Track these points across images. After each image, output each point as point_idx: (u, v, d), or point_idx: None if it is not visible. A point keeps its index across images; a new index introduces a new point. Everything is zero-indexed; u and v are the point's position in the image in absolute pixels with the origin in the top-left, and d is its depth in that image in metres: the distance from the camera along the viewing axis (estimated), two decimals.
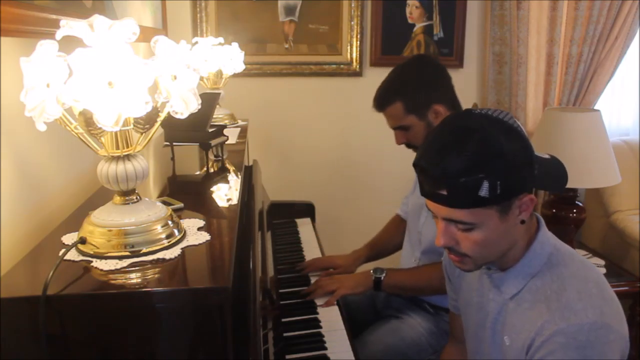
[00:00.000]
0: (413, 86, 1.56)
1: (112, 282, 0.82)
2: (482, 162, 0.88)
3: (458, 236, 0.96)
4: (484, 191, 0.88)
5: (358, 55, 2.70)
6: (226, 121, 2.11)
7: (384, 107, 1.59)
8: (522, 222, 0.96)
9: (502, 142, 0.90)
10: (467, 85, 2.86)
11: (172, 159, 1.50)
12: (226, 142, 1.55)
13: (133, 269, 0.84)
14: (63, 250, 0.85)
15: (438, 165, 0.90)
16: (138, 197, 0.92)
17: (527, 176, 0.93)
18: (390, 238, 1.92)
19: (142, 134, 0.88)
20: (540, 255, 0.99)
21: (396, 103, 1.56)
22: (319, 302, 1.55)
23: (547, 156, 1.02)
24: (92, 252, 0.87)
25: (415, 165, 0.96)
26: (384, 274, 1.57)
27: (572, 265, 0.98)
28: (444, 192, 0.91)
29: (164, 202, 1.03)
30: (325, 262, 1.80)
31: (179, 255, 0.89)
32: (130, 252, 0.87)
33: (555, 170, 1.01)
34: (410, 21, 2.72)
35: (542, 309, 0.94)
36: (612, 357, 0.90)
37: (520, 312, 0.99)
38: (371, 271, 1.59)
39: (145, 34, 1.30)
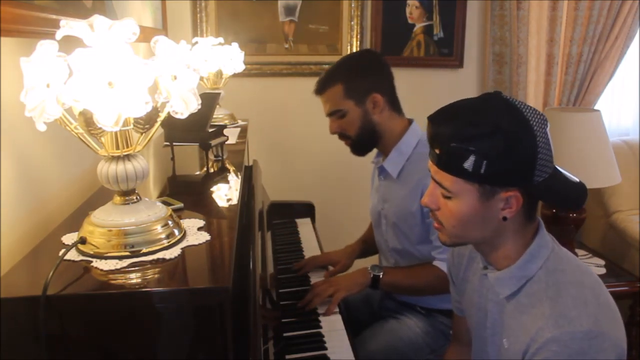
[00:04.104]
0: (356, 71, 1.57)
1: (112, 282, 0.82)
2: (476, 136, 0.88)
3: (440, 202, 0.98)
4: (468, 164, 0.89)
5: None
6: (226, 121, 2.11)
7: (324, 89, 1.58)
8: (504, 218, 0.95)
9: (506, 128, 0.88)
10: (467, 85, 2.86)
11: (172, 159, 1.50)
12: (226, 142, 1.56)
13: (133, 269, 0.84)
14: (63, 250, 0.85)
15: (439, 124, 0.93)
16: (138, 197, 0.92)
17: (520, 174, 0.91)
18: None
19: (142, 134, 0.88)
20: (536, 258, 0.98)
21: (337, 85, 1.56)
22: (320, 306, 1.54)
23: (576, 179, 0.99)
24: (92, 252, 0.87)
25: (428, 118, 0.97)
26: (381, 272, 1.56)
27: (568, 270, 0.97)
28: (437, 151, 0.94)
29: (164, 202, 1.03)
30: (321, 260, 1.80)
31: (179, 255, 0.89)
32: (130, 252, 0.87)
33: (569, 191, 0.98)
34: (410, 21, 2.72)
35: (538, 315, 0.93)
36: None
37: (518, 316, 0.99)
38: (368, 268, 1.57)
39: (145, 34, 1.30)
